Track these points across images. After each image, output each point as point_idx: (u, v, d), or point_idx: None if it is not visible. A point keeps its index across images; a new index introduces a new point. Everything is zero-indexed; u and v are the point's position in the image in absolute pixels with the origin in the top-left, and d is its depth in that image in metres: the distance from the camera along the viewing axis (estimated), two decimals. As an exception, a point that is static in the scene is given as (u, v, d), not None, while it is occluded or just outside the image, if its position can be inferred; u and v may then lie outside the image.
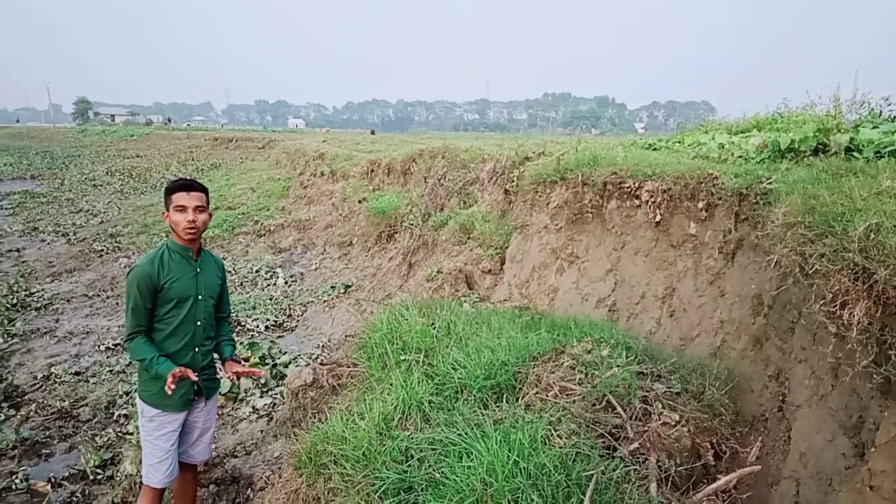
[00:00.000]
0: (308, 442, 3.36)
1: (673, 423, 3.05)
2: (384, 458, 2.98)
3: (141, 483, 3.35)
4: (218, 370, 3.54)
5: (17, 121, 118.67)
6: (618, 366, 3.52)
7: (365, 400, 3.55)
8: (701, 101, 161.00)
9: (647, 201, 4.88)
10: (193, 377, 3.03)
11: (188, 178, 3.32)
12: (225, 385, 6.37)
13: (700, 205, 4.31)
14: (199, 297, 3.21)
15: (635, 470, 2.79)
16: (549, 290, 5.80)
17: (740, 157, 4.94)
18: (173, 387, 2.91)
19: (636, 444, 2.97)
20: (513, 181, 7.40)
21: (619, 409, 3.18)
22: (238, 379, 3.71)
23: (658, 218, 4.76)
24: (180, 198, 3.10)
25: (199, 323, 3.23)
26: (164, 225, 2.95)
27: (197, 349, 3.25)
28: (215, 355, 3.49)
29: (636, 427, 3.07)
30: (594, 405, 3.25)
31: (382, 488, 2.81)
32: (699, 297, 4.23)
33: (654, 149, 7.91)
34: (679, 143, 8.64)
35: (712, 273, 4.15)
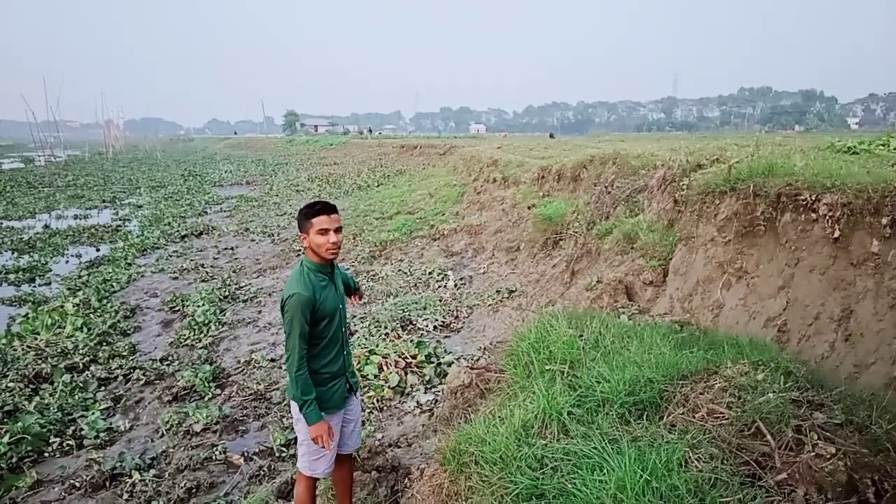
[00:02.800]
0: (453, 440, 3.60)
1: (828, 456, 2.84)
2: (520, 463, 3.12)
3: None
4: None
5: (235, 133, 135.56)
6: (773, 392, 3.33)
7: (507, 406, 3.72)
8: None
9: (825, 215, 4.51)
10: (329, 445, 3.37)
11: (323, 200, 3.48)
12: (393, 379, 6.91)
13: (884, 221, 3.91)
14: (340, 307, 3.48)
15: (779, 501, 2.66)
16: (713, 306, 5.54)
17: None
18: (320, 444, 3.34)
19: (783, 475, 2.81)
20: (682, 190, 7.12)
21: (769, 437, 3.03)
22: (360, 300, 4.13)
23: (836, 234, 4.38)
24: (322, 221, 3.25)
25: (343, 329, 3.53)
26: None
27: (345, 353, 3.58)
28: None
29: (785, 457, 2.91)
30: (741, 431, 3.13)
31: (515, 492, 2.95)
32: (878, 322, 3.84)
33: (854, 152, 7.19)
34: (883, 145, 7.76)
35: (894, 296, 3.75)
